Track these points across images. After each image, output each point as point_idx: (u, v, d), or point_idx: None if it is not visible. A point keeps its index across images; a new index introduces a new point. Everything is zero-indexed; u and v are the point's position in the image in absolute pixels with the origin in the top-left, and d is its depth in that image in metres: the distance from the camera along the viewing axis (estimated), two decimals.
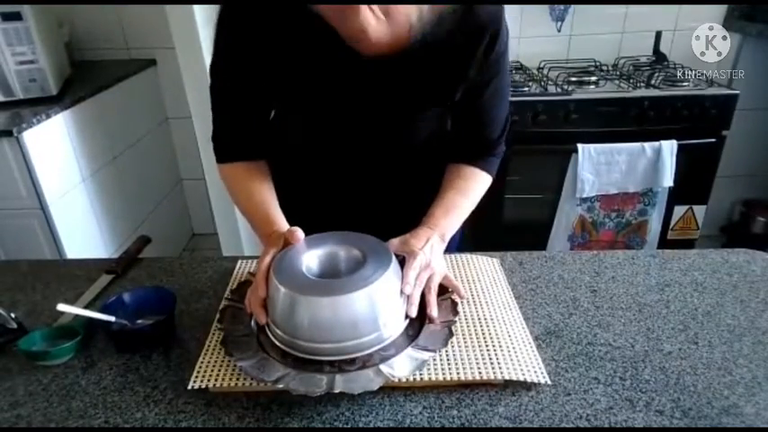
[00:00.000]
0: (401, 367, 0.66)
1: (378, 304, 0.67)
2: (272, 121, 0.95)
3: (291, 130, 0.95)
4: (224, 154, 0.91)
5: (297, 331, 0.67)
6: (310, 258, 0.73)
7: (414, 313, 0.72)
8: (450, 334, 0.71)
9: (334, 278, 0.71)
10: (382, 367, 0.65)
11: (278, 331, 0.69)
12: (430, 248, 0.79)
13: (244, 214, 0.90)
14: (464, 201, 0.90)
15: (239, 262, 0.94)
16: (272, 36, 0.78)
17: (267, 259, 0.73)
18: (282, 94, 0.86)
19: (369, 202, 0.96)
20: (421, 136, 0.92)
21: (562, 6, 2.22)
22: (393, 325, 0.70)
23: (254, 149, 0.91)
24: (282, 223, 0.82)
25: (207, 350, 0.73)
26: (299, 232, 0.74)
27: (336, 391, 0.61)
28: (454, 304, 0.77)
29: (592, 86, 2.00)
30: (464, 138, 0.93)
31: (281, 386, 0.62)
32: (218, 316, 0.78)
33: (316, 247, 0.75)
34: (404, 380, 0.65)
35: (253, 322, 0.74)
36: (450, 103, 0.86)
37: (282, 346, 0.69)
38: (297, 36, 0.78)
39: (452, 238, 1.07)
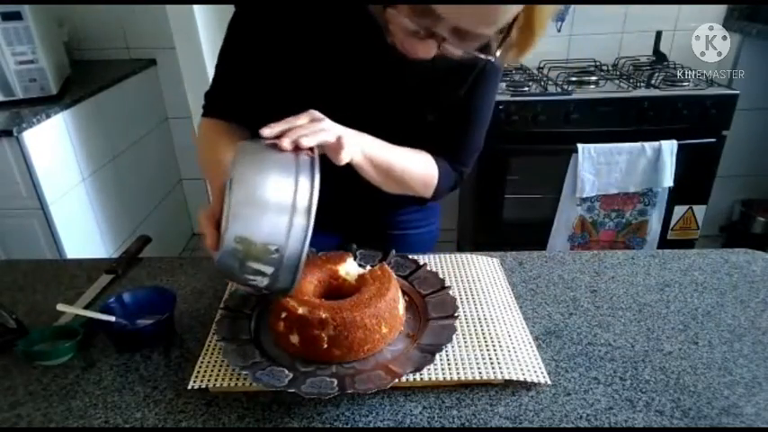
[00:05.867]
0: (408, 365, 0.66)
1: None
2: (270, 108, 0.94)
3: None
4: (212, 109, 0.89)
5: None
6: None
7: (266, 131, 0.65)
8: (454, 330, 0.71)
9: None
10: (392, 366, 0.66)
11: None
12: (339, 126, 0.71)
13: (206, 165, 0.85)
14: (405, 154, 0.84)
15: None
16: (300, 14, 0.79)
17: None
18: (291, 73, 0.84)
19: (347, 191, 0.91)
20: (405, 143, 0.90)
21: (562, 6, 2.22)
22: None
23: (245, 116, 0.88)
24: None
25: (207, 350, 0.73)
26: None
27: (349, 392, 0.61)
28: (453, 300, 0.77)
29: (592, 86, 2.00)
30: (436, 142, 0.90)
31: (292, 390, 0.62)
32: (214, 327, 0.77)
33: None
34: (404, 379, 0.66)
35: (250, 328, 0.74)
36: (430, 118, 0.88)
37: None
38: (327, 20, 0.78)
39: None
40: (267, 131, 0.65)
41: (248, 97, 0.89)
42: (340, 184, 0.87)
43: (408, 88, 0.84)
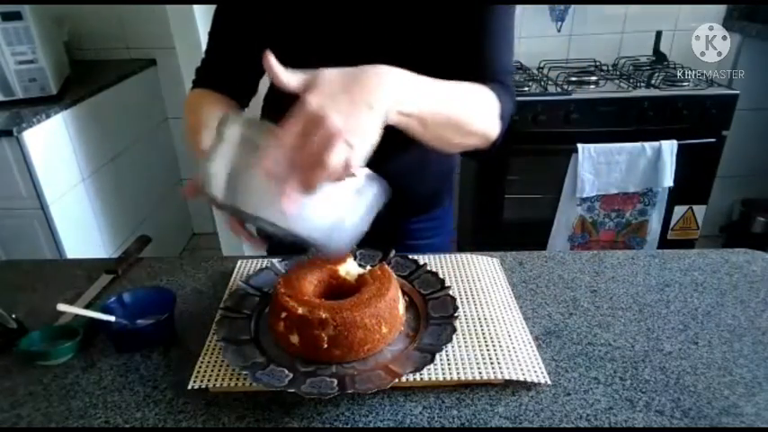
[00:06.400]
0: (408, 365, 0.66)
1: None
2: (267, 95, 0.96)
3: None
4: (200, 81, 0.92)
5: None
6: None
7: (288, 208, 0.50)
8: (454, 330, 0.71)
9: None
10: (392, 366, 0.66)
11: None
12: (345, 91, 0.51)
13: (192, 129, 0.81)
14: (456, 90, 0.67)
15: (239, 262, 0.94)
16: None
17: None
18: (282, 31, 0.84)
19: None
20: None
21: (562, 6, 2.22)
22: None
23: (234, 86, 0.91)
24: None
25: (207, 350, 0.73)
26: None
27: (349, 392, 0.62)
28: (453, 300, 0.77)
29: (592, 86, 2.01)
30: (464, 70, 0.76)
31: (292, 390, 0.62)
32: (214, 327, 0.77)
33: None
34: (404, 379, 0.65)
35: (250, 328, 0.74)
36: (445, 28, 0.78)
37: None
38: None
39: (447, 225, 1.04)
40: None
41: (237, 68, 0.90)
42: None
43: (409, 9, 0.76)
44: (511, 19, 0.82)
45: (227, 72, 0.91)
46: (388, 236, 0.90)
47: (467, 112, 0.67)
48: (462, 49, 0.79)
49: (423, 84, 0.60)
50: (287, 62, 0.64)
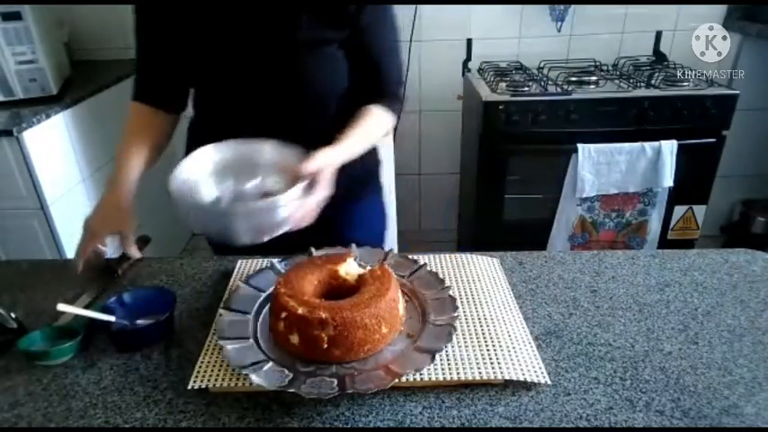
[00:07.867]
0: (408, 365, 0.66)
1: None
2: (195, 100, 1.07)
3: (206, 100, 1.05)
4: (139, 94, 1.04)
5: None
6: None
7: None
8: (454, 330, 0.71)
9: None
10: (392, 366, 0.66)
11: None
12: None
13: (119, 152, 1.03)
14: (359, 137, 0.95)
15: (239, 262, 0.94)
16: None
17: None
18: (195, 43, 0.95)
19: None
20: (317, 79, 0.95)
21: (562, 6, 2.22)
22: None
23: (168, 104, 1.04)
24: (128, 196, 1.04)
25: (207, 350, 0.73)
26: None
27: (349, 392, 0.62)
28: (453, 300, 0.77)
29: (592, 86, 2.00)
30: (363, 84, 1.00)
31: (292, 390, 0.62)
32: (214, 327, 0.77)
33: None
34: (404, 379, 0.66)
35: (250, 328, 0.74)
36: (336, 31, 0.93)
37: None
38: None
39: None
40: None
41: (167, 84, 1.02)
42: None
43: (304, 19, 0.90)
44: (398, 35, 1.01)
45: (159, 88, 1.02)
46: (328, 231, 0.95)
47: (371, 139, 1.00)
48: (361, 72, 0.99)
49: (346, 143, 0.90)
50: (207, 68, 0.96)
